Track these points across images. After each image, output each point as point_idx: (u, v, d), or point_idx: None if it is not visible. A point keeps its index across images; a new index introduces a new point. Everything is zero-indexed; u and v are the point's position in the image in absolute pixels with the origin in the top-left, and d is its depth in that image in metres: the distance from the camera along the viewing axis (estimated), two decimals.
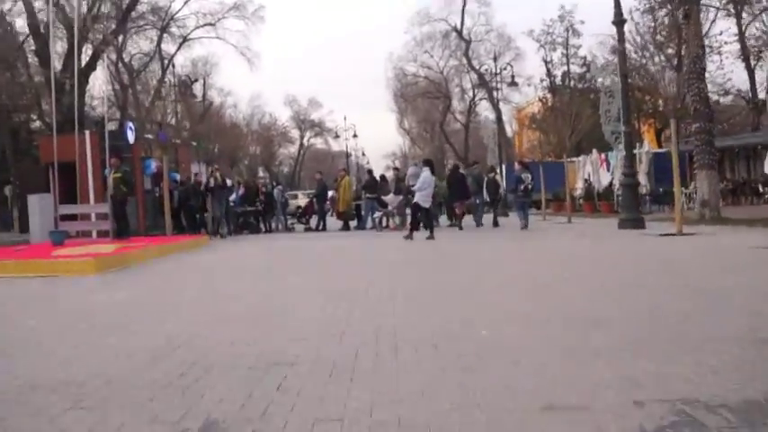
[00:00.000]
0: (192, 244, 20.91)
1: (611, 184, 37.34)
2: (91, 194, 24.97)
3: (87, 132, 26.25)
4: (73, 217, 22.18)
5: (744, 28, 47.50)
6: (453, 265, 13.05)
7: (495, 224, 27.37)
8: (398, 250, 17.43)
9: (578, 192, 38.78)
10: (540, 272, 11.29)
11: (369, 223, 28.85)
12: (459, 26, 61.97)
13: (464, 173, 28.97)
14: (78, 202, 22.40)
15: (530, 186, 25.36)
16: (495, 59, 45.86)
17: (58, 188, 21.54)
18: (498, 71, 44.23)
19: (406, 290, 9.36)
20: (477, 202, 28.54)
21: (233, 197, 29.21)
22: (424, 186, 21.33)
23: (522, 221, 24.48)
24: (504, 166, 40.82)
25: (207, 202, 27.13)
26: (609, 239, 18.40)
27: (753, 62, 48.99)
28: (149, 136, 27.79)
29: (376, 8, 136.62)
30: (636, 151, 35.99)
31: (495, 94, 45.69)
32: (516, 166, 27.22)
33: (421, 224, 21.86)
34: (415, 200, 21.79)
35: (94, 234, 23.35)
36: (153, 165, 26.88)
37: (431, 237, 20.50)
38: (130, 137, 25.69)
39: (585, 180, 38.83)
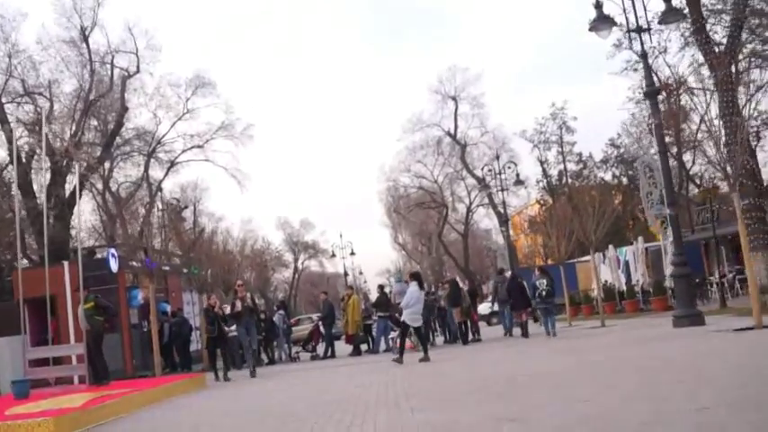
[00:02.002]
0: (186, 386, 17.07)
1: (628, 281, 34.52)
2: (71, 334, 21.54)
3: (66, 263, 22.91)
4: (46, 361, 18.49)
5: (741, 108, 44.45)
6: (517, 396, 9.42)
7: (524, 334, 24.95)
8: (432, 377, 14.09)
9: (596, 292, 35.58)
10: (632, 404, 7.66)
11: (382, 345, 25.27)
12: (452, 130, 59.65)
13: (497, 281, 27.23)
14: (51, 343, 18.84)
15: (543, 293, 23.41)
16: (497, 158, 43.01)
17: (29, 329, 17.97)
18: (499, 171, 41.30)
19: None
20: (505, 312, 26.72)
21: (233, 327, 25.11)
22: (411, 303, 18.66)
23: (545, 328, 23.26)
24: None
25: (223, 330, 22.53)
26: (678, 342, 14.93)
27: (753, 143, 45.77)
28: (135, 263, 24.27)
29: (367, 119, 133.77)
30: (661, 243, 33.18)
31: (501, 195, 42.66)
32: (536, 272, 25.15)
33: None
34: (402, 318, 19.20)
35: (76, 380, 19.75)
36: (140, 295, 23.49)
37: (425, 358, 18.07)
38: (113, 265, 22.33)
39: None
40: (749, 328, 15.09)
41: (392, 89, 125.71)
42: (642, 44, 19.71)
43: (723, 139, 17.31)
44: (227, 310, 21.14)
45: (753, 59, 28.00)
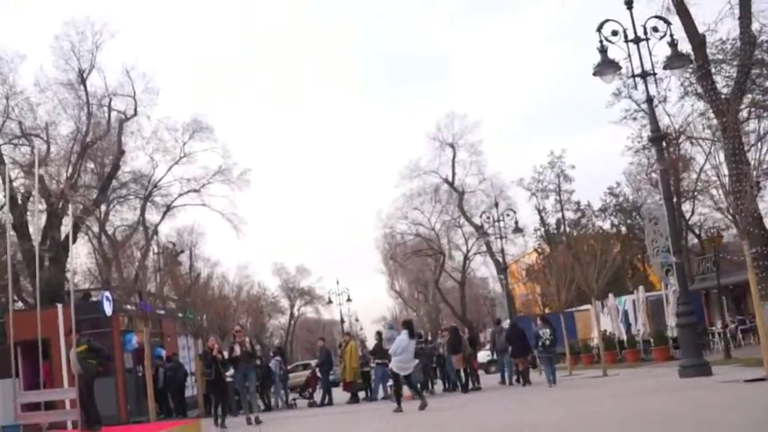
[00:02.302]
0: None
1: (628, 330, 34.08)
2: (64, 377, 20.98)
3: (60, 306, 22.41)
4: (38, 406, 17.94)
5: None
6: None
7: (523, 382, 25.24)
8: (433, 427, 13.56)
9: (595, 341, 35.14)
10: None
11: (380, 393, 24.72)
12: (450, 177, 59.45)
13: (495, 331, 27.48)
14: (43, 387, 18.31)
15: (547, 342, 23.28)
16: (496, 205, 42.56)
17: (22, 372, 17.46)
18: (498, 218, 40.74)
19: None
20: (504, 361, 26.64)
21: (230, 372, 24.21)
22: (398, 351, 18.37)
23: (546, 377, 22.81)
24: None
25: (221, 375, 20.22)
26: (687, 393, 14.35)
27: (755, 193, 45.34)
28: (130, 307, 23.77)
29: (364, 166, 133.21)
30: (662, 292, 32.80)
31: (500, 242, 41.92)
32: (538, 321, 24.90)
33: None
34: (390, 366, 18.97)
35: (69, 425, 19.15)
36: (134, 339, 22.98)
37: (423, 405, 17.60)
38: (108, 308, 21.86)
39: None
40: (761, 378, 14.51)
41: (390, 135, 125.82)
42: (647, 89, 19.36)
43: (728, 186, 16.89)
44: (226, 354, 20.39)
45: (753, 110, 27.82)
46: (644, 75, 19.16)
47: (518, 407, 16.63)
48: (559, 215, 56.89)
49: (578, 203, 56.53)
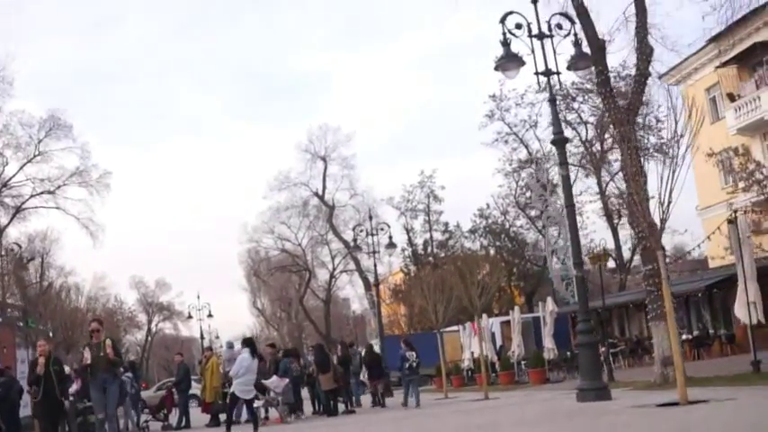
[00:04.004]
0: None
1: (498, 352, 32.71)
2: None
3: None
4: None
5: (604, 187, 43.51)
6: None
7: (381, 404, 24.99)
8: None
9: (466, 363, 33.58)
10: None
11: (244, 415, 21.64)
12: (320, 191, 57.60)
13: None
14: None
15: (414, 365, 23.29)
16: (370, 218, 40.14)
17: None
18: (372, 232, 38.32)
19: None
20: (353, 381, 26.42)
21: (71, 389, 18.97)
22: (241, 372, 16.53)
23: (409, 399, 22.92)
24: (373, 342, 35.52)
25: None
26: (608, 420, 12.31)
27: (615, 221, 44.75)
28: None
29: (231, 179, 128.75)
30: (540, 313, 31.43)
31: (373, 258, 39.43)
32: (402, 345, 24.30)
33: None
34: (232, 389, 17.12)
35: None
36: None
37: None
38: None
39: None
40: (675, 403, 12.65)
41: (261, 149, 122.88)
42: (551, 88, 17.52)
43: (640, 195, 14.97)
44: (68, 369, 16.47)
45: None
46: (548, 73, 17.29)
47: None
48: (428, 235, 55.67)
49: (447, 224, 55.56)
